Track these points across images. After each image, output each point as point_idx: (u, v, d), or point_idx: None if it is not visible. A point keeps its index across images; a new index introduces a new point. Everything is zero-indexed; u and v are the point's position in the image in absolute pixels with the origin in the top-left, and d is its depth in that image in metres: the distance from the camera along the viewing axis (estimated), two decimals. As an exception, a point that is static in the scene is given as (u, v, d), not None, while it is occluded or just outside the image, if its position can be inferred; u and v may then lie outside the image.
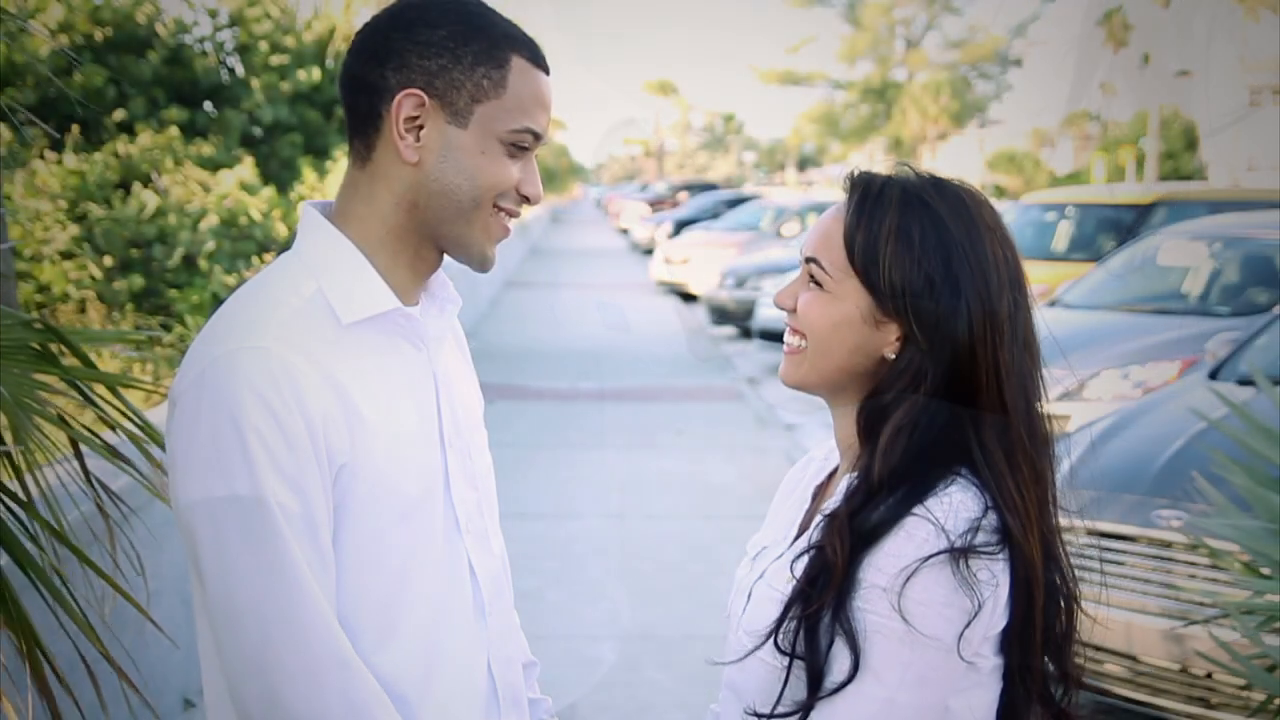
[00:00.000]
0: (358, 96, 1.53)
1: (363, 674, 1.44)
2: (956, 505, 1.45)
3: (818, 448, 1.74)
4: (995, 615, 1.47)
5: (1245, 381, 4.75)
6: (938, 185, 1.55)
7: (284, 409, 1.41)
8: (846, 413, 1.59)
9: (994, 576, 1.45)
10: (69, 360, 2.42)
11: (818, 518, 1.55)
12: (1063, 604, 1.56)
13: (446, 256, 1.59)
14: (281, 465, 1.41)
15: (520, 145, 1.53)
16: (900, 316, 1.51)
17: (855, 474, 1.53)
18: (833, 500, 1.55)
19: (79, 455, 2.40)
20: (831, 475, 1.65)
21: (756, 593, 1.58)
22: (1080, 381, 7.10)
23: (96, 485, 2.44)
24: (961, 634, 1.43)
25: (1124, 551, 4.15)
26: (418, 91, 1.50)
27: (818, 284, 1.56)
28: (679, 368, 13.09)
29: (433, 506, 1.55)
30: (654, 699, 4.74)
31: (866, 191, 1.56)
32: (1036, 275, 10.68)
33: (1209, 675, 3.88)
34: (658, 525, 7.03)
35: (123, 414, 2.43)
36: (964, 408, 1.50)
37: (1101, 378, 7.13)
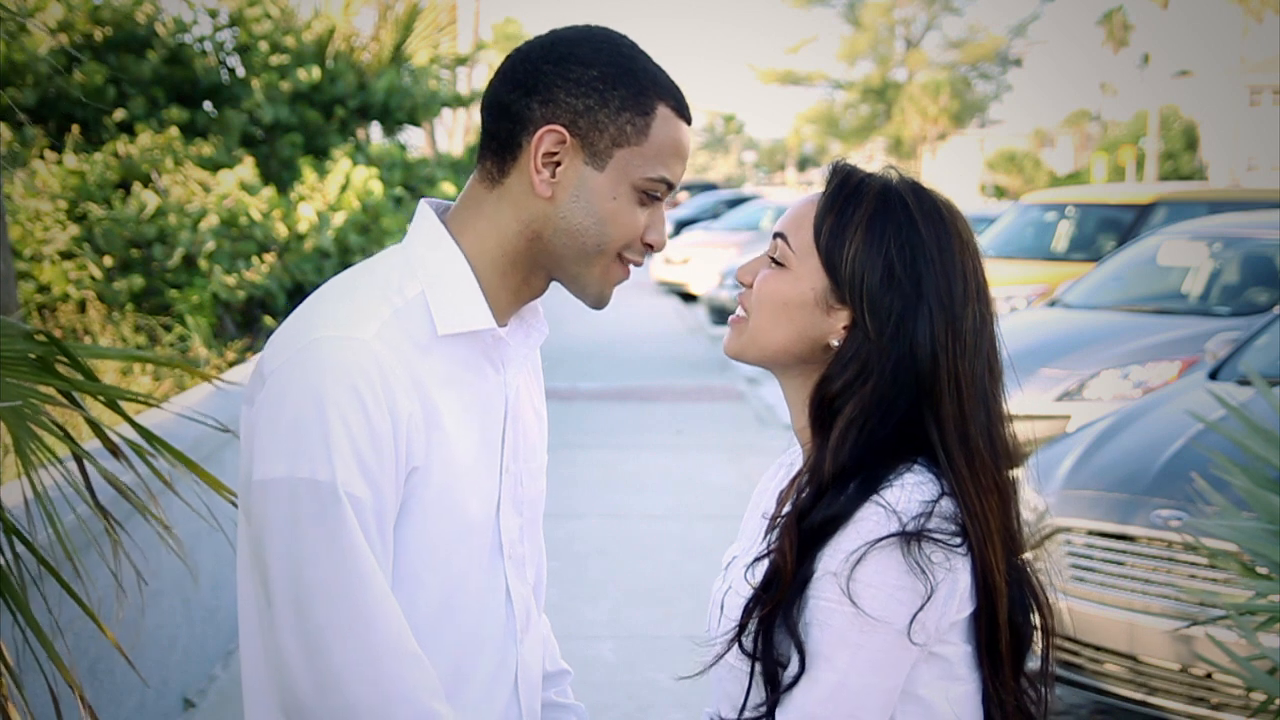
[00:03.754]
0: (500, 122, 1.53)
1: (426, 667, 1.44)
2: (910, 489, 1.46)
3: (786, 454, 1.74)
4: (954, 601, 1.46)
5: (1245, 382, 4.74)
6: (916, 190, 1.56)
7: (375, 404, 1.42)
8: (797, 395, 1.60)
9: (948, 559, 1.45)
10: (69, 372, 2.42)
11: (779, 521, 1.55)
12: (1035, 617, 1.55)
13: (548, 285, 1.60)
14: (363, 458, 1.42)
15: (652, 194, 1.54)
16: (853, 304, 1.52)
17: (805, 472, 1.53)
18: (792, 503, 1.55)
19: (82, 468, 2.41)
20: (795, 479, 1.64)
21: (727, 603, 1.58)
22: (1080, 381, 7.10)
23: (96, 494, 2.44)
24: (914, 617, 1.43)
25: (1124, 551, 4.15)
26: (560, 129, 1.50)
27: (778, 263, 1.57)
28: (679, 368, 13.10)
29: (485, 529, 1.56)
30: (654, 699, 4.73)
31: (845, 181, 1.57)
32: (1036, 275, 10.70)
33: (1209, 675, 3.88)
34: (658, 525, 7.03)
35: (127, 421, 2.44)
36: (923, 408, 1.50)
37: (1101, 378, 7.13)
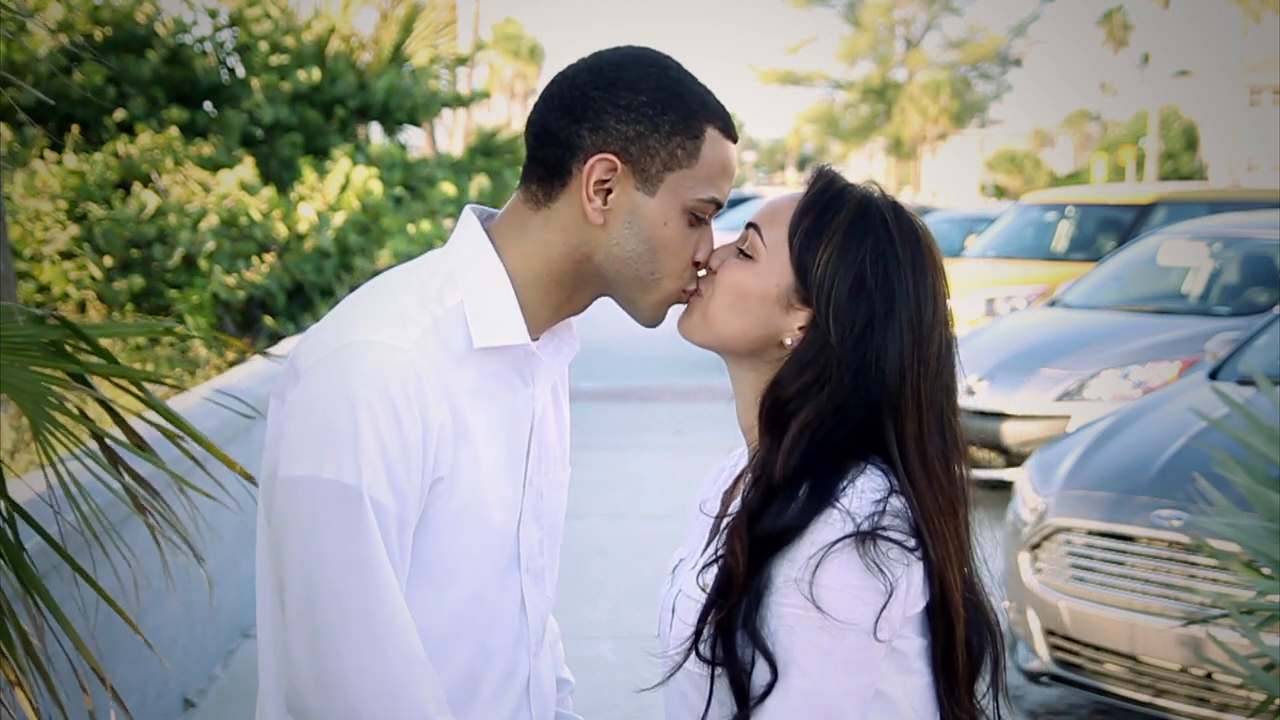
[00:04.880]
0: (548, 149, 1.53)
1: (433, 677, 1.44)
2: (861, 488, 1.46)
3: (729, 456, 1.73)
4: (911, 595, 1.47)
5: (1245, 381, 4.74)
6: (896, 209, 1.56)
7: (408, 413, 1.43)
8: (746, 389, 1.60)
9: (905, 554, 1.45)
10: (83, 356, 2.36)
11: (725, 523, 1.54)
12: (990, 641, 1.56)
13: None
14: (391, 465, 1.42)
15: (700, 215, 1.54)
16: (817, 308, 1.52)
17: (753, 472, 1.53)
18: (738, 503, 1.55)
19: (106, 449, 2.35)
20: (739, 479, 1.64)
21: (679, 607, 1.58)
22: (1080, 381, 7.11)
23: (104, 487, 2.40)
24: (880, 614, 1.43)
25: (1124, 551, 4.15)
26: (612, 156, 1.50)
27: (746, 255, 1.57)
28: (679, 368, 13.09)
29: (505, 541, 1.56)
30: (654, 699, 4.72)
31: (828, 186, 1.57)
32: (1036, 275, 10.71)
33: (1209, 675, 3.88)
34: (658, 525, 7.03)
35: (147, 406, 2.37)
36: (884, 421, 1.50)
37: (1101, 378, 7.14)
